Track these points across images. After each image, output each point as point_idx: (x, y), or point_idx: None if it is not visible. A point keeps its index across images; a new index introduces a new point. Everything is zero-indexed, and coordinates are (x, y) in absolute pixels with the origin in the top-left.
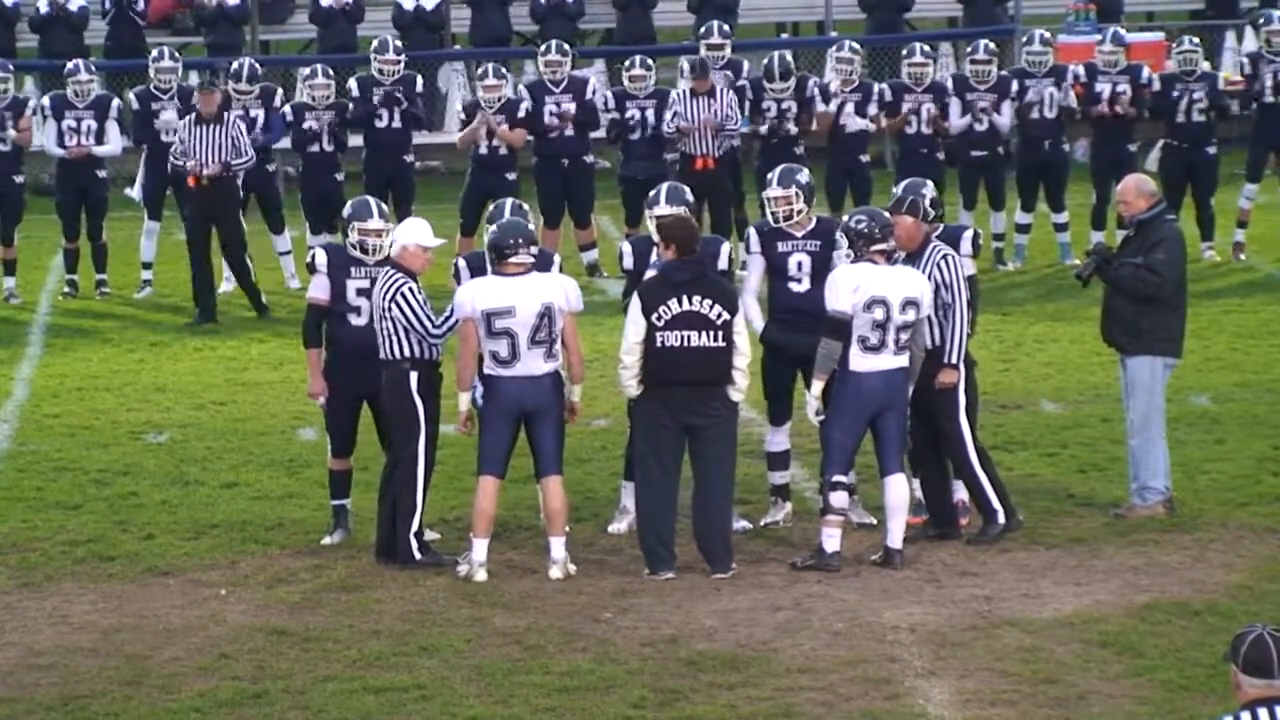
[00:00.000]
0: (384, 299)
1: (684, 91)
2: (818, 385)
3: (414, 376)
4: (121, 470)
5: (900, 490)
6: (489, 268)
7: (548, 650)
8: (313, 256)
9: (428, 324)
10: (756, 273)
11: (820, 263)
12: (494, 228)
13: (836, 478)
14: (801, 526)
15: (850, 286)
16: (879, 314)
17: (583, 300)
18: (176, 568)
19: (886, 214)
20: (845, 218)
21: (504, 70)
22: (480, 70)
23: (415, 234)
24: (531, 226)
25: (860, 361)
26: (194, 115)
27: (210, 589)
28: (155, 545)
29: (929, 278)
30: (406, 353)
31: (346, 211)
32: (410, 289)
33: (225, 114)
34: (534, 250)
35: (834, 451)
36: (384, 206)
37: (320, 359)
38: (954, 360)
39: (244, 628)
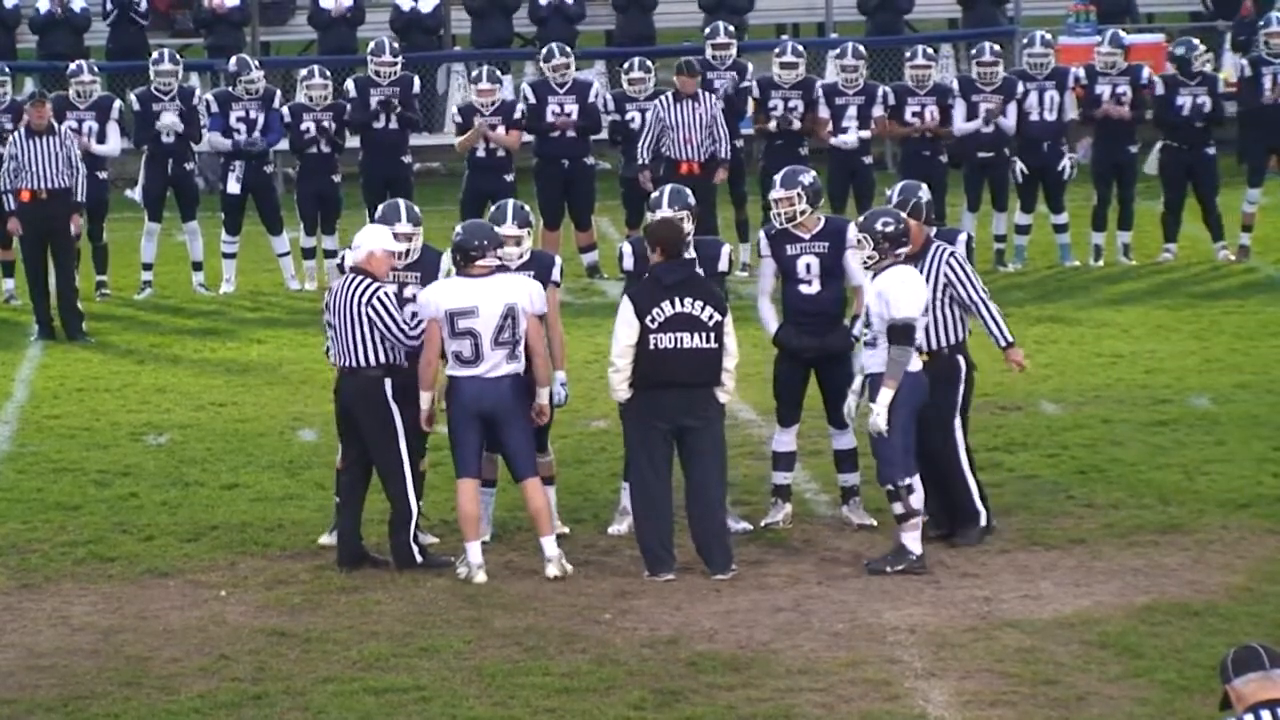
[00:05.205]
0: (355, 305)
1: (668, 96)
2: (888, 394)
3: (388, 384)
4: (121, 471)
5: None
6: (454, 269)
7: (548, 651)
8: (342, 258)
9: (405, 329)
10: (768, 275)
11: (829, 264)
12: (459, 230)
13: (906, 480)
14: (801, 528)
15: (921, 290)
16: (924, 314)
17: (546, 303)
18: (176, 569)
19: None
20: (863, 219)
21: (498, 74)
22: (475, 74)
23: (379, 239)
24: (500, 228)
25: (916, 362)
26: (25, 128)
27: (210, 590)
28: (155, 546)
29: (936, 276)
30: (378, 359)
31: (377, 215)
32: (385, 294)
33: (57, 126)
34: (500, 253)
35: (897, 456)
36: (415, 209)
37: None
38: (1011, 339)
39: (244, 629)
